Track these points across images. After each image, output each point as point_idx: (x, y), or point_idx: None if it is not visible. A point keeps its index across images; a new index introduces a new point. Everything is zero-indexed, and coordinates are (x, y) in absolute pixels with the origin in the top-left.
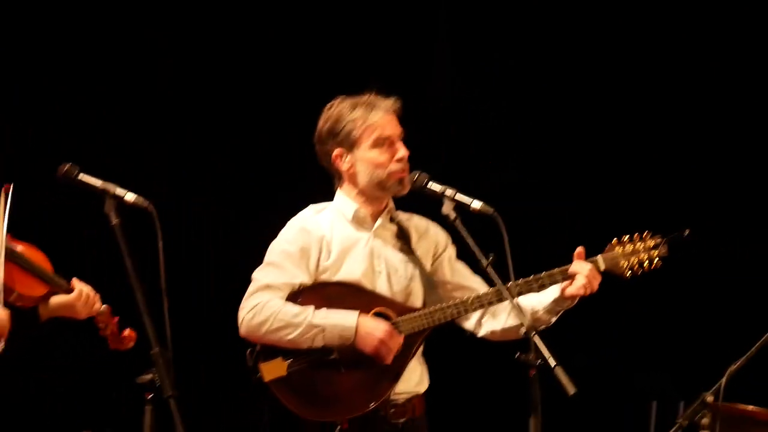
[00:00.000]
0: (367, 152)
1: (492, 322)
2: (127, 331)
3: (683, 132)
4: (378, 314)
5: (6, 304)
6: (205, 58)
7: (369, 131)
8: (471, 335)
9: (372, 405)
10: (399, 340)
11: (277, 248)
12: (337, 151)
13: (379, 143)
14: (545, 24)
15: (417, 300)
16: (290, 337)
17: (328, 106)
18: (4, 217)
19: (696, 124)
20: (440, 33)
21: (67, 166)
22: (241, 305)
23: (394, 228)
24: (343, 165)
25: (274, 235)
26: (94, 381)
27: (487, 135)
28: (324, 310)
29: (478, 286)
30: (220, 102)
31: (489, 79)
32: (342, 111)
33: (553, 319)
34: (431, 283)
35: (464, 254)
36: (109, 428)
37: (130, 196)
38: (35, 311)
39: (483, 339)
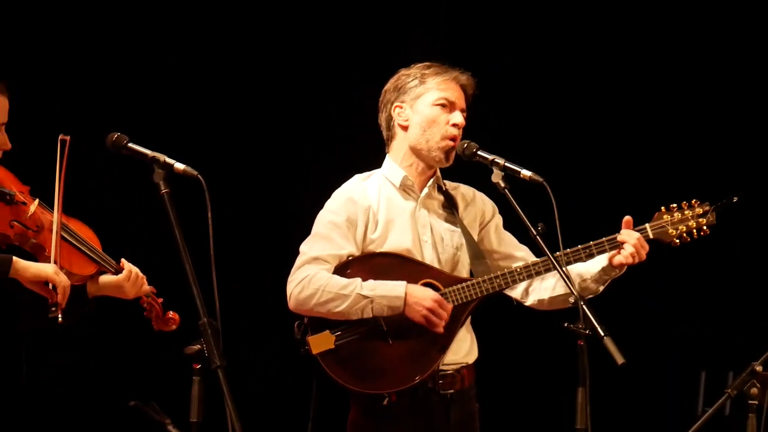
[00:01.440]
0: (427, 107)
1: (539, 291)
2: (171, 313)
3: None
4: (426, 285)
5: None
6: (205, 56)
7: (434, 88)
8: (518, 304)
9: (419, 378)
10: (448, 309)
11: (324, 219)
12: (397, 104)
13: (441, 103)
14: (544, 24)
15: (464, 270)
16: (339, 309)
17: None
18: (63, 170)
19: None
20: (440, 33)
21: (116, 135)
22: (289, 278)
23: (440, 197)
24: (400, 117)
25: (321, 206)
26: (141, 351)
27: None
28: (372, 282)
29: (525, 255)
30: (270, 74)
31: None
32: (414, 69)
33: (601, 288)
34: (477, 253)
35: (513, 223)
36: (155, 399)
37: (179, 165)
38: (83, 289)
39: (530, 308)
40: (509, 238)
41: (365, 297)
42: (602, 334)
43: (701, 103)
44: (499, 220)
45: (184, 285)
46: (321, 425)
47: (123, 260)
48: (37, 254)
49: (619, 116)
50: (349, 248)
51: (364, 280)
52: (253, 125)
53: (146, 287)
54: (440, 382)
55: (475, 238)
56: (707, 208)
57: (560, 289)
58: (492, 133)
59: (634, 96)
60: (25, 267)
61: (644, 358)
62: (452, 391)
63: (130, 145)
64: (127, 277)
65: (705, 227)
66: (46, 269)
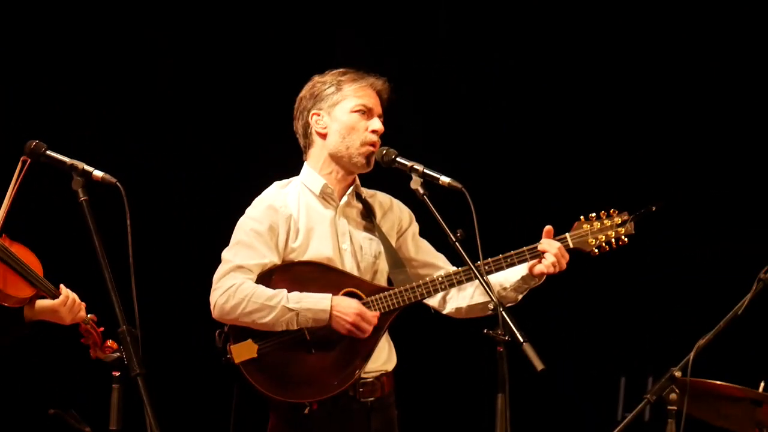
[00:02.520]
0: (345, 114)
1: (457, 299)
2: (110, 342)
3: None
4: (348, 294)
5: None
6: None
7: (351, 95)
8: (436, 312)
9: (342, 386)
10: (372, 320)
11: (246, 227)
12: (314, 111)
13: (359, 110)
14: (543, 23)
15: (382, 278)
16: (265, 320)
17: (318, 75)
18: (14, 189)
19: (685, 118)
20: (440, 33)
21: (35, 142)
22: (213, 286)
23: (359, 205)
24: (318, 124)
25: (241, 213)
26: (60, 359)
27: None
28: (297, 294)
29: (442, 263)
30: (190, 75)
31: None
32: (330, 76)
33: (520, 297)
34: (396, 261)
35: (432, 230)
36: (74, 408)
37: (98, 173)
38: (20, 312)
39: (447, 316)
40: (426, 246)
41: (291, 310)
42: (521, 340)
43: (621, 111)
44: (415, 227)
45: (104, 292)
46: None
47: (62, 286)
48: None
49: (541, 123)
50: (271, 257)
51: (287, 289)
52: (177, 129)
53: (83, 314)
54: (360, 390)
55: (393, 246)
56: (626, 217)
57: (478, 297)
58: (472, 135)
59: (553, 101)
60: None
61: (563, 364)
62: (372, 398)
63: (48, 152)
64: (63, 302)
65: (624, 237)
66: None
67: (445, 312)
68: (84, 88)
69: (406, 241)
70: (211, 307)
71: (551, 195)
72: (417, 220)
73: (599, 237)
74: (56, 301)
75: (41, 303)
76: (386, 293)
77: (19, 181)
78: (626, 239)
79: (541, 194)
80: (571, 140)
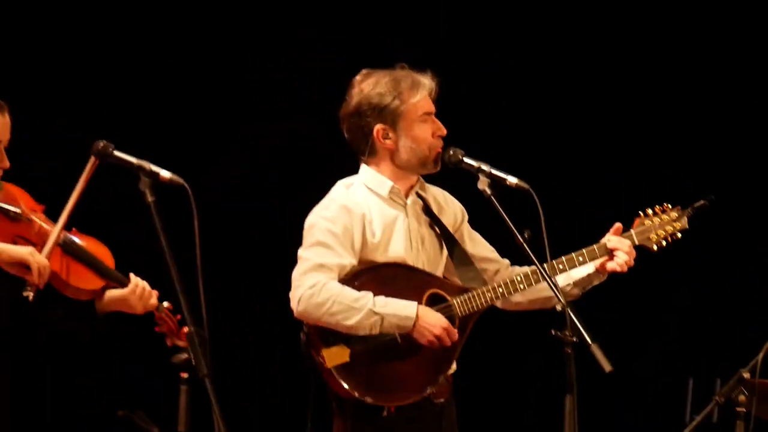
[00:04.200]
0: (412, 128)
1: (518, 293)
2: (186, 329)
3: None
4: (433, 296)
5: (63, 297)
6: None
7: (415, 108)
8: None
9: (431, 388)
10: (455, 335)
11: (322, 227)
12: (378, 127)
13: (423, 120)
14: (542, 23)
15: (451, 276)
16: (349, 322)
17: (360, 78)
18: (82, 187)
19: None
20: (440, 33)
21: (103, 142)
22: (296, 283)
23: (420, 202)
24: (386, 141)
25: (307, 211)
26: (129, 360)
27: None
28: (383, 298)
29: (496, 255)
30: (251, 83)
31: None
32: (384, 85)
33: (581, 293)
34: (464, 258)
35: (498, 230)
36: (142, 409)
37: (165, 174)
38: (92, 305)
39: (504, 310)
40: (480, 240)
41: (376, 313)
42: (589, 341)
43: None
44: (467, 219)
45: (172, 293)
46: None
47: (131, 274)
48: None
49: (596, 122)
50: (349, 258)
51: (373, 291)
52: (240, 132)
53: (154, 301)
54: (434, 392)
55: (457, 241)
56: (680, 211)
57: (539, 292)
58: (472, 135)
59: (609, 104)
60: (1, 250)
61: (632, 365)
62: (442, 399)
63: (115, 153)
64: (133, 291)
65: (678, 232)
66: (22, 251)
67: (503, 306)
68: (144, 87)
69: (462, 236)
70: (295, 302)
71: (596, 192)
72: (481, 220)
73: (659, 233)
74: (126, 289)
75: (111, 293)
76: (470, 294)
77: (86, 180)
78: (680, 234)
79: (587, 192)
80: (614, 139)
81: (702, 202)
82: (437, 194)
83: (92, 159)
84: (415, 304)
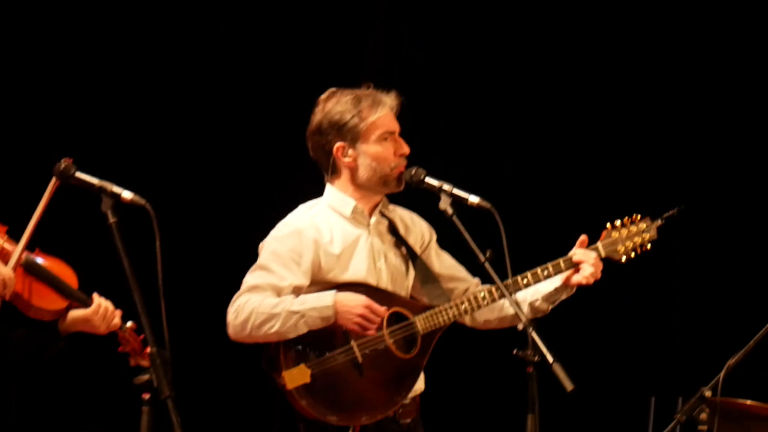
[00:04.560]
0: (372, 146)
1: (486, 311)
2: (148, 349)
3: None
4: (395, 314)
5: (26, 319)
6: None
7: (375, 126)
8: (466, 328)
9: (393, 408)
10: (380, 312)
11: (267, 250)
12: (338, 145)
13: (384, 137)
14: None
15: (418, 295)
16: (274, 329)
17: (325, 97)
18: (43, 207)
19: (683, 116)
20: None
21: (64, 164)
22: (228, 309)
23: (386, 222)
24: (345, 159)
25: (269, 230)
26: (90, 381)
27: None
28: (302, 296)
29: (466, 275)
30: (215, 101)
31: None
32: (345, 103)
33: (551, 308)
34: (429, 276)
35: (460, 249)
36: (104, 429)
37: (127, 194)
38: (55, 325)
39: (473, 328)
40: (448, 259)
41: (295, 312)
42: (551, 360)
43: (629, 116)
44: (435, 240)
45: (134, 314)
46: None
47: (95, 294)
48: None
49: (555, 134)
50: (291, 279)
51: None
52: (204, 151)
53: (118, 321)
54: (400, 411)
55: (422, 260)
56: (649, 222)
57: (509, 309)
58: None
59: (562, 116)
60: None
61: (594, 384)
62: (409, 420)
63: (77, 174)
64: (96, 311)
65: (647, 243)
66: None
67: (472, 325)
68: (110, 106)
69: (430, 255)
70: (227, 326)
71: (561, 206)
72: (445, 239)
73: (627, 244)
74: (89, 309)
75: (74, 313)
76: (432, 311)
77: (47, 200)
78: (649, 246)
79: (552, 206)
80: (576, 149)
81: (671, 212)
82: (404, 215)
83: (53, 179)
84: (332, 292)
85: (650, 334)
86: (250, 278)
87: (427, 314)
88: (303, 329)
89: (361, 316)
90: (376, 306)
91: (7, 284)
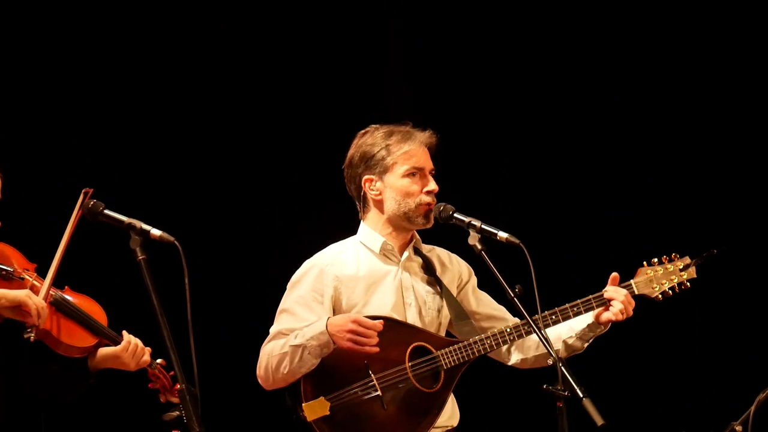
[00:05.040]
0: (398, 180)
1: (523, 349)
2: (178, 385)
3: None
4: (417, 348)
5: (56, 356)
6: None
7: (402, 159)
8: (501, 364)
9: None
10: (370, 324)
11: (289, 293)
12: (366, 177)
13: (411, 173)
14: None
15: (443, 332)
16: (288, 368)
17: (362, 132)
18: (75, 220)
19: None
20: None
21: (92, 202)
22: None
23: (419, 260)
24: (372, 191)
25: (299, 265)
26: (121, 418)
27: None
28: (301, 329)
29: (503, 314)
30: (216, 101)
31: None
32: (377, 137)
33: (585, 345)
34: (460, 314)
35: (490, 285)
36: None
37: (155, 232)
38: (84, 362)
39: (513, 367)
40: (486, 299)
41: (298, 346)
42: (581, 395)
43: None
44: (474, 281)
45: (163, 351)
46: None
47: (124, 332)
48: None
49: (587, 172)
50: (314, 318)
51: None
52: (232, 187)
53: (147, 358)
54: None
55: (455, 298)
56: (688, 261)
57: (543, 348)
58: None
59: (598, 154)
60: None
61: (624, 419)
62: None
63: (106, 212)
64: (125, 348)
65: (686, 281)
66: (19, 293)
67: (510, 363)
68: (134, 142)
69: (467, 294)
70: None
71: (603, 243)
72: (476, 275)
73: (663, 282)
74: (119, 347)
75: (104, 351)
76: (456, 346)
77: (71, 231)
78: (689, 284)
79: (594, 242)
80: (613, 185)
81: (711, 251)
82: (442, 254)
83: (76, 211)
84: (325, 317)
85: (680, 369)
86: (276, 325)
87: (451, 348)
88: (311, 360)
89: (351, 331)
90: (363, 320)
91: (41, 314)
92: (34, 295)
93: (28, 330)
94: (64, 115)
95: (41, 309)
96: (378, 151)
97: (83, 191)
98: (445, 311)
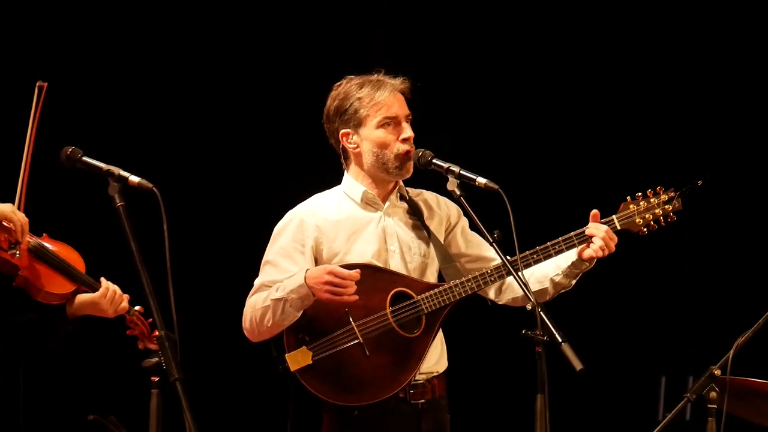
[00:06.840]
0: (372, 132)
1: (513, 289)
2: (157, 332)
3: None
4: (398, 294)
5: (34, 302)
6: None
7: (375, 110)
8: (493, 304)
9: (399, 387)
10: (345, 274)
11: (272, 244)
12: (343, 131)
13: (384, 123)
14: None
15: (433, 277)
16: (271, 321)
17: (337, 84)
18: (36, 117)
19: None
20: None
21: (71, 148)
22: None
23: (404, 205)
24: (350, 145)
25: (281, 215)
26: (99, 365)
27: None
28: (281, 283)
29: (494, 255)
30: (215, 101)
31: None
32: (349, 90)
33: (573, 282)
34: (446, 257)
35: (471, 230)
36: (113, 413)
37: (134, 178)
38: (62, 309)
39: (505, 306)
40: (477, 240)
41: (279, 299)
42: (560, 340)
43: (651, 95)
44: (464, 222)
45: (142, 298)
46: None
47: (102, 278)
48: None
49: (568, 110)
50: (297, 268)
51: None
52: (213, 134)
53: (125, 305)
54: (411, 392)
55: (442, 242)
56: (672, 194)
57: (534, 285)
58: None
59: (583, 89)
60: None
61: (603, 364)
62: (423, 401)
63: (84, 158)
64: (104, 294)
65: (671, 214)
66: (3, 207)
67: (502, 302)
68: (116, 91)
69: (455, 236)
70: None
71: (588, 182)
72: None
73: (647, 216)
74: (97, 293)
75: (82, 297)
76: (437, 290)
77: (39, 107)
78: (675, 216)
79: (579, 182)
80: (603, 123)
81: (695, 183)
82: (430, 198)
83: (39, 86)
84: (303, 270)
85: (660, 314)
86: (259, 276)
87: (431, 293)
88: (293, 313)
89: (327, 283)
90: (339, 270)
91: (24, 229)
92: (17, 211)
93: (12, 246)
94: (64, 115)
95: (24, 224)
96: (351, 104)
97: (37, 85)
98: (433, 255)
